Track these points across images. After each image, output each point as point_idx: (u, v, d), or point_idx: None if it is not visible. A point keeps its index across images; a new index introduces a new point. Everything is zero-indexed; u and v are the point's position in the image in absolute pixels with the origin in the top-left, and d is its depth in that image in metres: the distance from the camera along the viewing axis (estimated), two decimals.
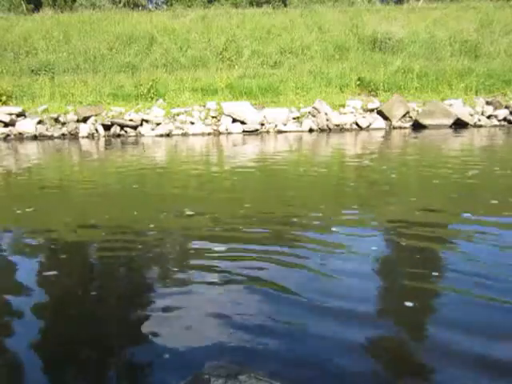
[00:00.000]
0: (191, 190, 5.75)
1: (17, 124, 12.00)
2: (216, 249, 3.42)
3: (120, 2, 25.41)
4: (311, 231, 3.83)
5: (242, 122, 11.99)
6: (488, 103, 12.61)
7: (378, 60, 14.75)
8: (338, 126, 12.02)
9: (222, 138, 11.44)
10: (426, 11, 18.13)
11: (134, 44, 16.03)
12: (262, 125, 12.04)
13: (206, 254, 3.32)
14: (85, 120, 12.17)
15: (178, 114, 12.42)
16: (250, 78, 13.99)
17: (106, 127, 12.02)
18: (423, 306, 2.51)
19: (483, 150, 8.97)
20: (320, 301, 2.55)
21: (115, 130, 11.95)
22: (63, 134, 11.98)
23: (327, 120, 11.99)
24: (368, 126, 12.01)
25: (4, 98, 12.91)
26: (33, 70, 14.63)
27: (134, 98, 13.34)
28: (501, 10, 17.41)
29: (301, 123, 12.07)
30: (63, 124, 12.17)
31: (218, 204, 4.85)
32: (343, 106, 12.61)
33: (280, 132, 11.86)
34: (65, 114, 12.39)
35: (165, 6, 27.17)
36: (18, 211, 4.64)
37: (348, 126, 12.04)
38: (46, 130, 12.00)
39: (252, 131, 11.83)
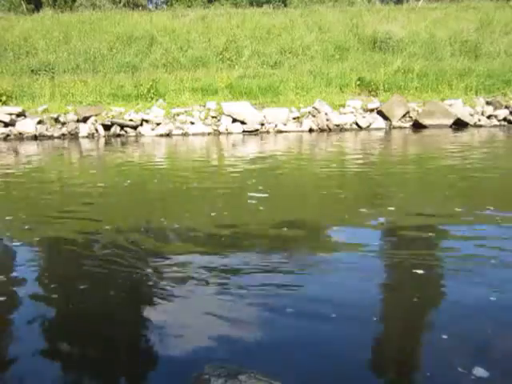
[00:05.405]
0: (191, 190, 5.75)
1: (17, 124, 11.98)
2: (218, 250, 3.42)
3: (120, 2, 25.37)
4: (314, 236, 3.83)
5: (242, 122, 11.98)
6: (488, 103, 12.59)
7: (378, 60, 14.73)
8: (338, 126, 12.01)
9: (222, 137, 11.43)
10: (426, 11, 18.11)
11: (133, 44, 16.01)
12: (262, 125, 12.03)
13: (208, 255, 3.32)
14: (85, 120, 12.15)
15: (178, 114, 12.41)
16: (250, 78, 13.97)
17: (106, 127, 12.01)
18: None
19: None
20: (321, 302, 2.55)
21: (115, 129, 11.94)
22: (63, 134, 11.96)
23: (327, 120, 11.98)
24: (368, 126, 12.00)
25: (4, 98, 12.88)
26: (33, 70, 14.61)
27: (134, 98, 13.32)
28: (501, 9, 17.39)
29: (301, 123, 12.05)
30: (63, 124, 12.15)
31: (220, 206, 4.85)
32: (343, 106, 12.59)
33: (280, 132, 11.85)
34: (65, 113, 12.37)
35: (165, 6, 27.13)
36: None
37: (348, 126, 12.03)
38: (46, 129, 11.99)
39: (252, 131, 11.82)
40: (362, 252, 3.32)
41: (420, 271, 2.92)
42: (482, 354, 2.04)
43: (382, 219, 4.14)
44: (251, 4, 24.61)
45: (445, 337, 2.18)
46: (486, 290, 2.62)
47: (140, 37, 16.21)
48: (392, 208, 4.49)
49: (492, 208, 4.25)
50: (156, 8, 29.16)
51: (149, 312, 2.54)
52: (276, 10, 19.15)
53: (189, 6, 22.16)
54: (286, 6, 23.34)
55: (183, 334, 2.28)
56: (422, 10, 18.46)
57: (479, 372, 1.88)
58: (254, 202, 4.74)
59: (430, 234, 3.80)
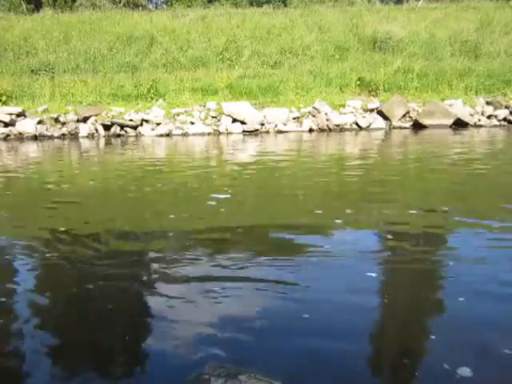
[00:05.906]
0: (190, 191, 5.76)
1: (17, 124, 11.98)
2: (219, 250, 3.43)
3: (120, 2, 25.35)
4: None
5: (242, 122, 11.98)
6: (488, 103, 12.59)
7: (378, 60, 14.72)
8: (337, 125, 12.00)
9: (222, 138, 11.43)
10: (426, 11, 18.11)
11: (133, 44, 16.01)
12: (262, 125, 12.03)
13: (208, 254, 3.32)
14: (85, 120, 12.15)
15: (178, 114, 12.41)
16: (250, 78, 13.97)
17: (106, 127, 12.01)
18: None
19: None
20: (321, 301, 2.55)
21: (115, 129, 11.94)
22: (63, 134, 11.97)
23: (327, 120, 11.98)
24: (368, 126, 11.99)
25: (4, 98, 12.88)
26: (33, 70, 14.60)
27: (134, 98, 13.31)
28: (501, 9, 17.39)
29: (301, 123, 12.05)
30: (63, 124, 12.15)
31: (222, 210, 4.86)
32: (343, 106, 12.58)
33: (280, 132, 11.85)
34: (65, 113, 12.37)
35: (165, 6, 27.13)
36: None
37: (348, 126, 12.02)
38: (46, 129, 11.99)
39: (252, 131, 11.82)
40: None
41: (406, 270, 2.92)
42: (468, 354, 2.05)
43: (339, 221, 4.06)
44: (251, 4, 24.61)
45: (433, 337, 2.20)
46: (478, 289, 2.63)
47: (140, 37, 16.21)
48: (350, 211, 4.43)
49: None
50: (156, 8, 29.16)
51: (149, 312, 2.54)
52: (276, 10, 19.14)
53: (189, 6, 22.16)
54: (286, 5, 23.33)
55: (184, 334, 2.27)
56: (421, 10, 18.45)
57: (464, 372, 1.89)
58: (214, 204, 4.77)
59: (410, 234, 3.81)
